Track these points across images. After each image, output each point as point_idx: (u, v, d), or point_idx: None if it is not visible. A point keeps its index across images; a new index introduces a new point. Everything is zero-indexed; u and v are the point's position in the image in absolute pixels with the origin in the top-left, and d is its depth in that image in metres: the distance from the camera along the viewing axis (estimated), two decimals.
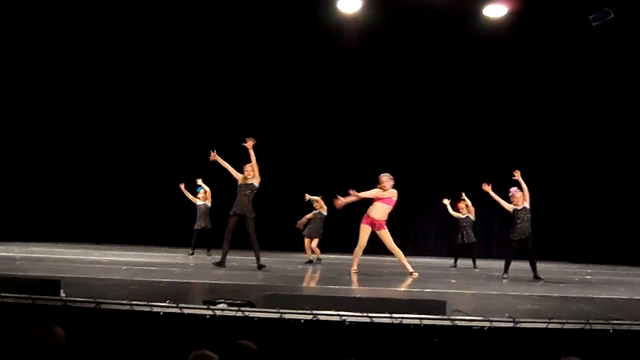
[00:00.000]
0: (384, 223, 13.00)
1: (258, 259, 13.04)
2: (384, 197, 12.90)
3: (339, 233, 18.83)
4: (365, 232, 13.01)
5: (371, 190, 12.97)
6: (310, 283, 11.57)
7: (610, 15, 16.94)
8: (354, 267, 12.97)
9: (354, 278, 12.29)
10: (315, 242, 16.44)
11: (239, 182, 13.02)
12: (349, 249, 20.35)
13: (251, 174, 12.94)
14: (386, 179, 12.97)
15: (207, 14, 20.44)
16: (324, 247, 16.82)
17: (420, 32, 21.14)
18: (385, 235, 13.01)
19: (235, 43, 21.24)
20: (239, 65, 21.48)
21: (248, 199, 12.95)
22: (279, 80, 21.73)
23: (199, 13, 20.42)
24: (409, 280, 12.30)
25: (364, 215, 13.04)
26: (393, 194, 12.93)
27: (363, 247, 13.16)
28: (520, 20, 19.82)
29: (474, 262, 17.47)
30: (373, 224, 12.94)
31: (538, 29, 20.62)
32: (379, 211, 12.92)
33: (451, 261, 18.06)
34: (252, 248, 13.07)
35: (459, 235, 17.46)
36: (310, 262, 16.17)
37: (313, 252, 16.47)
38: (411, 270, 12.98)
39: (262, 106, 21.72)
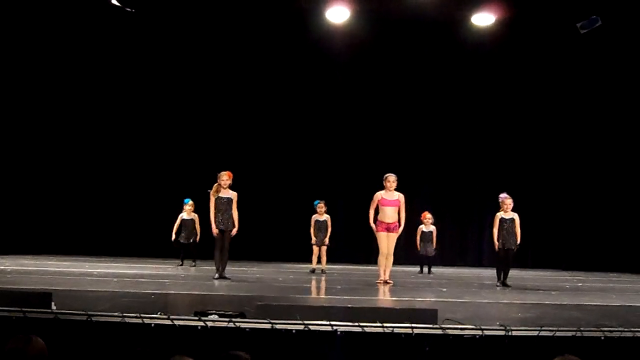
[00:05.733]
0: (397, 225, 13.11)
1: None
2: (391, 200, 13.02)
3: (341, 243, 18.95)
4: (383, 238, 13.07)
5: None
6: (311, 293, 11.57)
7: (598, 22, 17.00)
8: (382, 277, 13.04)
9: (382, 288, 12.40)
10: (322, 250, 16.44)
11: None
12: (349, 259, 20.59)
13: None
14: (393, 179, 13.03)
15: (195, 27, 20.45)
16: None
17: (409, 41, 21.17)
18: (394, 239, 13.14)
19: (225, 55, 21.22)
20: (229, 76, 21.42)
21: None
22: (268, 90, 21.66)
23: (188, 25, 20.43)
24: (400, 289, 12.30)
25: (378, 223, 13.09)
26: (399, 195, 13.06)
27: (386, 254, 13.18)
28: (509, 29, 19.89)
29: (430, 269, 17.82)
30: (389, 228, 12.98)
31: (526, 37, 20.69)
32: (390, 214, 13.01)
33: (444, 270, 18.14)
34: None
35: (421, 245, 17.63)
36: (313, 271, 16.16)
37: (319, 261, 16.46)
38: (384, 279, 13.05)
39: (251, 116, 21.65)
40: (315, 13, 19.55)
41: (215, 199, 13.03)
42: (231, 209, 13.03)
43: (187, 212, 17.02)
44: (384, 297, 10.99)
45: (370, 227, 13.21)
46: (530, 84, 21.77)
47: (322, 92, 21.80)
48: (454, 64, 21.69)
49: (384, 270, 13.03)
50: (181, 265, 17.00)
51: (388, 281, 12.90)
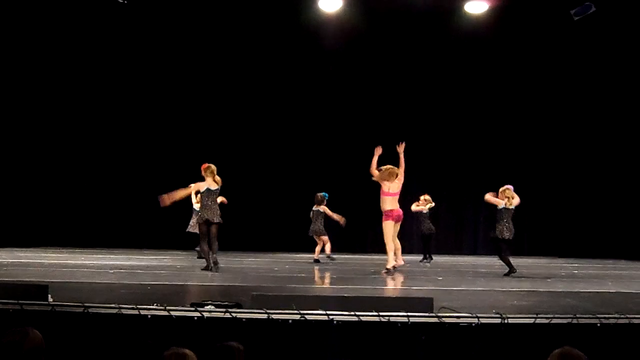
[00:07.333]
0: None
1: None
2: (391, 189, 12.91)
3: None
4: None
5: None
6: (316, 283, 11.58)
7: (591, 9, 16.98)
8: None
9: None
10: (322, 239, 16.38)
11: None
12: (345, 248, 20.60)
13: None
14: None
15: (188, 16, 20.39)
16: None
17: (402, 30, 21.11)
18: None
19: (218, 45, 21.16)
20: (223, 68, 21.37)
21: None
22: (262, 82, 21.61)
23: (181, 15, 20.37)
24: (396, 277, 12.31)
25: (388, 212, 12.88)
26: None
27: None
28: (502, 16, 19.85)
29: (430, 254, 17.85)
30: (398, 215, 12.92)
31: (520, 24, 20.65)
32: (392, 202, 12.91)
33: (439, 258, 18.17)
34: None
35: (422, 227, 17.64)
36: (317, 261, 16.12)
37: (323, 251, 16.42)
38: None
39: (247, 107, 21.62)
40: (308, 2, 19.50)
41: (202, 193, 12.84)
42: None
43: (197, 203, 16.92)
44: (380, 286, 11.00)
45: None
46: (524, 71, 21.76)
47: (315, 82, 21.78)
48: (448, 52, 21.65)
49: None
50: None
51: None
